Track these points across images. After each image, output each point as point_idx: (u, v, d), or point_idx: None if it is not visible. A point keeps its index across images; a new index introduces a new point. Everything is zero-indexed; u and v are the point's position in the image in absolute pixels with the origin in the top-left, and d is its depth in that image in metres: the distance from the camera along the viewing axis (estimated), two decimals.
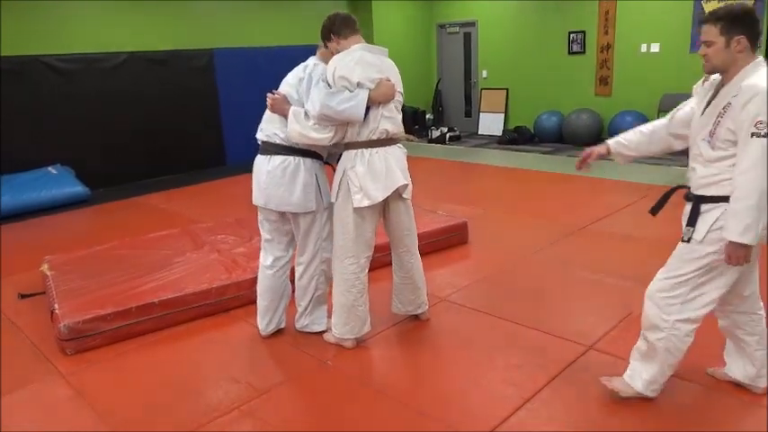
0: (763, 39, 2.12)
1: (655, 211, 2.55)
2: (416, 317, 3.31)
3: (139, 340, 3.24)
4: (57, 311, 3.19)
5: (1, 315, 3.67)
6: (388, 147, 2.83)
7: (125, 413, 2.59)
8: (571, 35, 8.98)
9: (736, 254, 2.06)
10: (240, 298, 3.57)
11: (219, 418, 2.50)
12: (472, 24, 10.37)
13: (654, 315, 2.30)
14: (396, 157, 2.86)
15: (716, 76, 2.22)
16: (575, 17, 8.89)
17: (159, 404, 2.65)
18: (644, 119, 8.18)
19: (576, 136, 8.79)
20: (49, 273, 3.81)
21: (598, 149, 2.62)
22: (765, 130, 1.97)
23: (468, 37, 10.56)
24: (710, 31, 2.11)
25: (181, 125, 7.99)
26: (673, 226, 5.00)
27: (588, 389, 2.59)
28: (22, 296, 3.90)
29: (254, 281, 3.60)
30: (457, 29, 10.71)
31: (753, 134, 1.99)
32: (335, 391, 2.71)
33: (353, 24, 2.86)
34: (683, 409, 2.43)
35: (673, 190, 2.44)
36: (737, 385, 2.50)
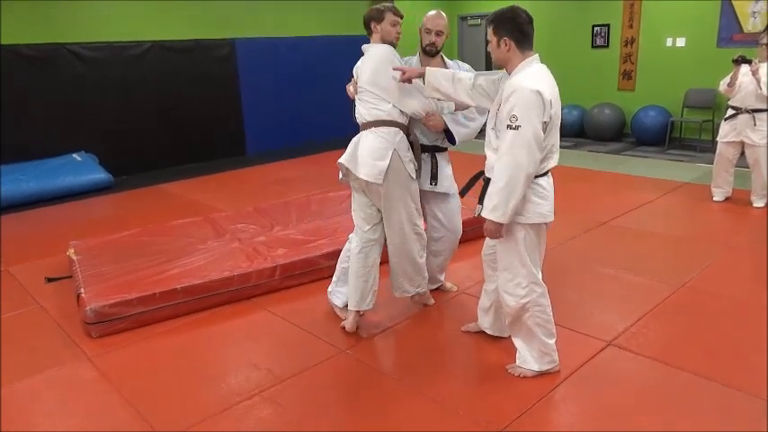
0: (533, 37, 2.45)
1: (462, 193, 2.86)
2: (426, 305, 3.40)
3: (163, 325, 3.30)
4: (83, 295, 3.26)
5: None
6: (364, 130, 2.97)
7: (149, 395, 2.64)
8: (595, 29, 8.87)
9: (489, 228, 2.42)
10: (261, 286, 3.61)
11: (241, 403, 2.55)
12: None
13: (512, 304, 2.54)
14: (365, 140, 2.93)
15: None
16: (599, 10, 8.77)
17: (182, 388, 2.70)
18: (667, 114, 8.08)
19: (598, 131, 8.70)
20: (75, 257, 3.89)
21: (418, 71, 2.82)
22: (515, 123, 2.27)
23: None
24: (488, 32, 2.42)
25: (202, 114, 8.04)
26: (695, 223, 4.96)
27: (608, 384, 2.59)
28: (49, 280, 3.98)
29: (275, 270, 3.67)
30: (479, 21, 10.63)
31: (508, 126, 2.30)
32: (355, 380, 2.74)
33: None
34: (699, 407, 2.42)
35: (480, 173, 2.69)
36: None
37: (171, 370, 2.87)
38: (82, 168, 6.68)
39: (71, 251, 4.04)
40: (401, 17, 3.04)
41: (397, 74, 2.85)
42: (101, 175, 6.72)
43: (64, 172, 6.51)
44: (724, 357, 2.78)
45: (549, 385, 2.58)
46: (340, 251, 3.40)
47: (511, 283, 2.55)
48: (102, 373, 2.84)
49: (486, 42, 2.49)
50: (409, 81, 2.86)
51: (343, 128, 9.00)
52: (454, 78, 2.74)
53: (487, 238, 2.78)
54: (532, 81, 2.32)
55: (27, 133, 6.65)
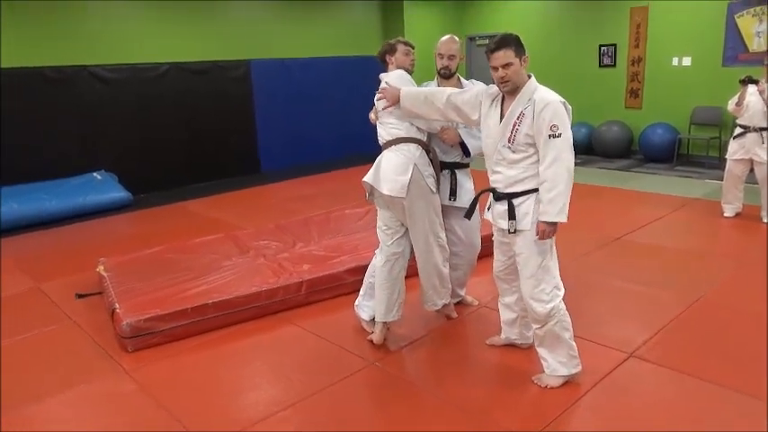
0: None
1: (468, 215, 3.01)
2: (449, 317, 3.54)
3: (194, 340, 3.40)
4: (118, 310, 3.37)
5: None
6: (385, 150, 3.12)
7: (190, 407, 2.74)
8: (602, 48, 9.04)
9: (549, 230, 2.54)
10: (287, 301, 3.72)
11: (277, 414, 2.64)
12: None
13: (540, 310, 2.64)
14: (386, 158, 3.07)
15: (494, 90, 2.67)
16: (606, 30, 8.95)
17: (220, 400, 2.79)
18: (675, 131, 8.21)
19: (605, 148, 8.83)
20: (105, 274, 4.00)
21: (397, 96, 2.96)
22: (558, 132, 2.46)
23: None
24: (509, 55, 2.50)
25: (218, 133, 8.23)
26: (707, 239, 5.04)
27: (631, 394, 2.67)
28: (79, 296, 4.09)
29: (301, 285, 3.77)
30: (487, 41, 10.82)
31: (550, 136, 2.47)
32: (386, 392, 2.83)
33: None
34: (724, 416, 2.51)
35: (479, 194, 2.92)
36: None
37: (208, 382, 2.97)
38: (102, 187, 6.83)
39: (101, 267, 4.15)
40: (412, 47, 3.24)
41: (383, 102, 3.05)
42: (120, 194, 6.87)
43: (85, 191, 6.66)
44: (746, 368, 2.85)
45: (575, 395, 2.67)
46: (362, 266, 3.50)
47: (536, 289, 2.64)
48: (141, 386, 2.94)
49: (496, 68, 2.54)
50: (392, 105, 3.03)
51: (354, 146, 9.19)
52: (427, 99, 2.89)
53: (498, 256, 2.89)
54: (555, 95, 2.54)
55: (49, 153, 6.82)
